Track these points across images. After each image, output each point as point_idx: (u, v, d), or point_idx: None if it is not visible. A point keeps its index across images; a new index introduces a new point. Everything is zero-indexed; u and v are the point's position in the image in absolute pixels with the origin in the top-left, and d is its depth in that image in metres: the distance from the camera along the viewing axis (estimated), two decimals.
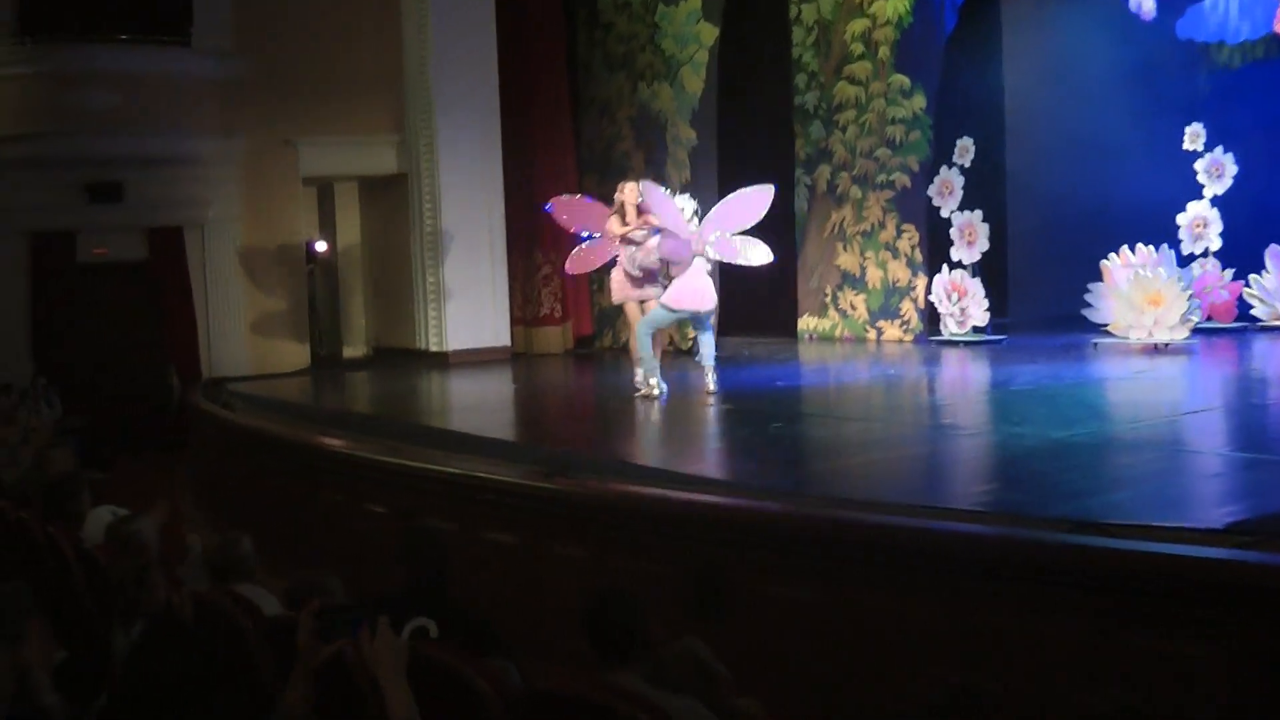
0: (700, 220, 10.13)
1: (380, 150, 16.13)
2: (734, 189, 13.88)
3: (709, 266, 10.17)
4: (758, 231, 10.25)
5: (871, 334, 14.33)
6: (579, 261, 11.16)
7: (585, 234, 11.01)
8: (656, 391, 10.04)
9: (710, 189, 13.61)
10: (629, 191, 10.29)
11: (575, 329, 17.00)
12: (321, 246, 17.65)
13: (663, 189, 10.42)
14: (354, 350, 17.57)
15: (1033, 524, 5.05)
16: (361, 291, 17.78)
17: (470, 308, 15.90)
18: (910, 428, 8.45)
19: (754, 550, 5.53)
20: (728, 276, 15.19)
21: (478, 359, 15.46)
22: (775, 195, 10.20)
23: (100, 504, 7.19)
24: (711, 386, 9.98)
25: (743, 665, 5.42)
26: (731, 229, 10.14)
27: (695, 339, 10.61)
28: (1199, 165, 13.42)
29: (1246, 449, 7.03)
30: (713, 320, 10.27)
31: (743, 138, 15.59)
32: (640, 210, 10.15)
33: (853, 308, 14.58)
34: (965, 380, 11.24)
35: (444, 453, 7.71)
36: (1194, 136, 13.47)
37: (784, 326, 15.39)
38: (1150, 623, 4.32)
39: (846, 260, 14.56)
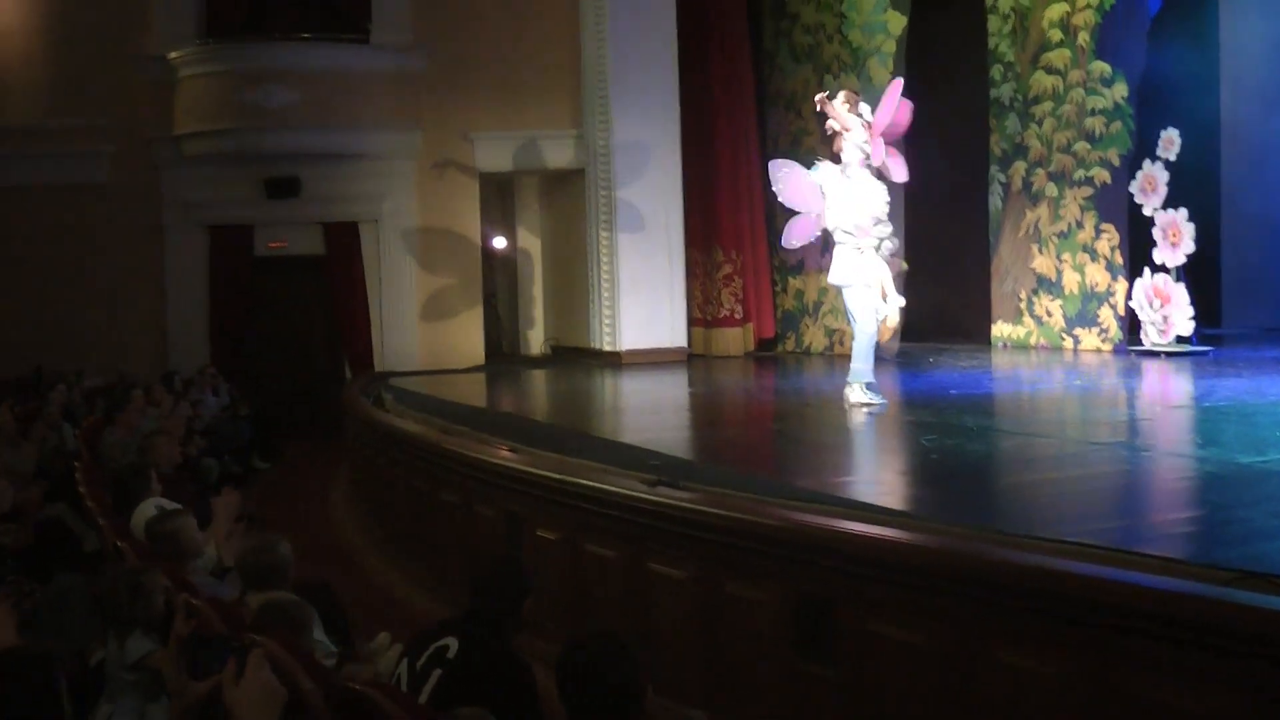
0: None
1: (557, 145, 15.88)
2: (924, 186, 13.19)
3: (853, 240, 9.20)
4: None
5: (1068, 343, 13.28)
6: None
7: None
8: (870, 400, 8.95)
9: (897, 187, 12.76)
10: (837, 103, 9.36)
11: (757, 331, 16.42)
12: (501, 243, 17.54)
13: (789, 166, 9.78)
14: (533, 348, 17.40)
15: (1188, 570, 4.14)
16: (541, 288, 17.60)
17: (646, 307, 15.47)
18: (1072, 445, 7.59)
19: (863, 581, 4.85)
20: (919, 281, 14.38)
21: (653, 360, 15.04)
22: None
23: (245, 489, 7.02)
24: (849, 399, 9.03)
25: (835, 706, 4.84)
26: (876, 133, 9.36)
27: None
28: None
29: None
30: (871, 326, 9.24)
31: (932, 132, 14.66)
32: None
33: (1048, 314, 13.55)
34: (1154, 395, 10.17)
35: (558, 455, 7.24)
36: None
37: (978, 334, 14.50)
38: None
39: (1042, 263, 13.55)
